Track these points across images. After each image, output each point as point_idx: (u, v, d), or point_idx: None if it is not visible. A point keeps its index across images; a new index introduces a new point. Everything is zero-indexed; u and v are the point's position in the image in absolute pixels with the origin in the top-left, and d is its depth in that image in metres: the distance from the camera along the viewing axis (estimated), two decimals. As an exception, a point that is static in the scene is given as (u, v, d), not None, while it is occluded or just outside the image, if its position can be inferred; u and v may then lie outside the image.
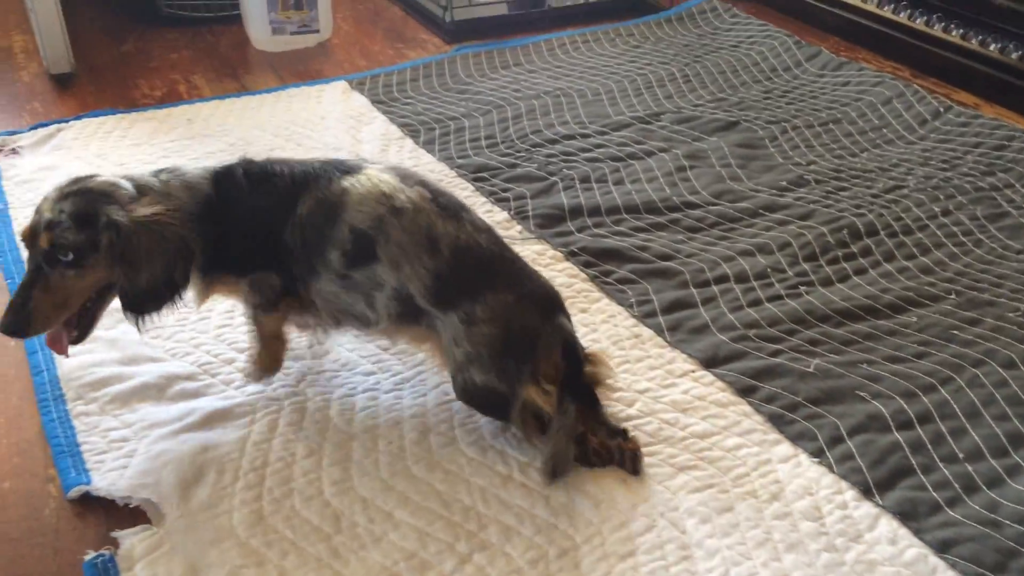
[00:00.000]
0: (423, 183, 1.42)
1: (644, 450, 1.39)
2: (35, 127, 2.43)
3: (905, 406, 1.46)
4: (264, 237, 1.37)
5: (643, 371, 1.60)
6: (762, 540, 1.25)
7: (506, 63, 2.89)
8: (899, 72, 2.77)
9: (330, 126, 2.48)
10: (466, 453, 1.40)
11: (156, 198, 1.32)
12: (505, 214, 2.07)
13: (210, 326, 1.69)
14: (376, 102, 2.60)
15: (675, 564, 1.22)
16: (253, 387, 1.54)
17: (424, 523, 1.28)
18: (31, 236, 1.28)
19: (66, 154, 2.30)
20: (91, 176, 1.34)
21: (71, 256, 1.26)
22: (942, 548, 1.22)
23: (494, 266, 1.38)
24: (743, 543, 1.24)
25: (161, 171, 1.39)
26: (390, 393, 1.54)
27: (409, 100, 2.63)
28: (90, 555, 1.23)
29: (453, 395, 1.42)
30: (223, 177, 1.39)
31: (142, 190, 1.33)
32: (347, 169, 1.40)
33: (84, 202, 1.28)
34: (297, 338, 1.59)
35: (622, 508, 1.30)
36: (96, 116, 2.49)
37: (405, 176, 1.42)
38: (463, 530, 1.27)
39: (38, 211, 1.30)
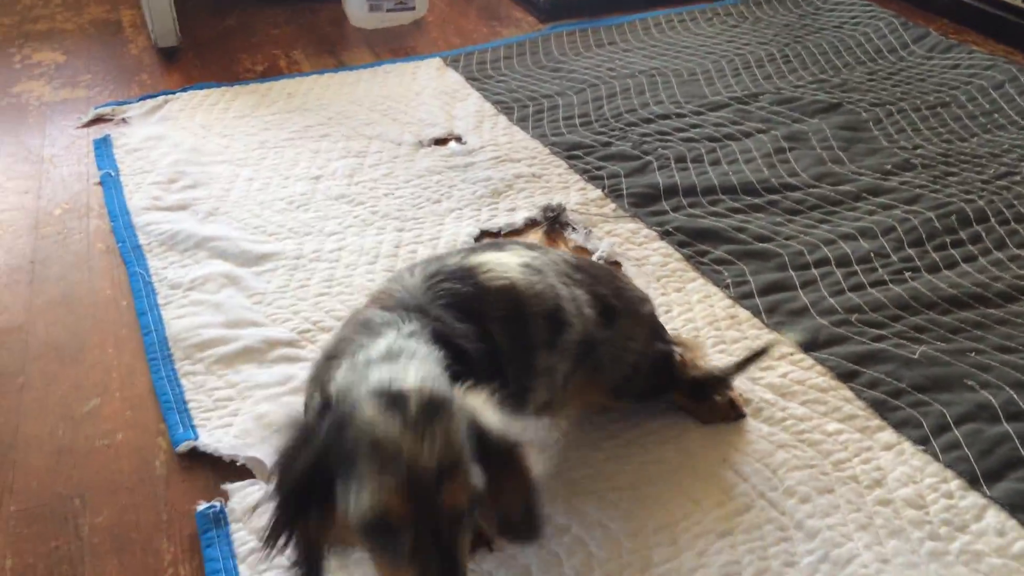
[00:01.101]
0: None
1: (746, 426, 1.38)
2: (143, 98, 2.52)
3: (1016, 397, 1.41)
4: None
5: (740, 352, 1.57)
6: (864, 524, 1.22)
7: (600, 42, 2.87)
8: (1012, 56, 2.65)
9: (424, 102, 2.50)
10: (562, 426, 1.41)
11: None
12: (599, 192, 2.06)
13: (309, 294, 1.73)
14: (470, 79, 2.62)
15: (774, 544, 1.20)
16: (352, 353, 1.57)
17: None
18: (417, 498, 0.81)
19: (172, 124, 2.38)
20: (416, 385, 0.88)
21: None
22: (1055, 543, 1.17)
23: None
24: (844, 524, 1.22)
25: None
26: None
27: (503, 77, 2.64)
28: (202, 505, 1.28)
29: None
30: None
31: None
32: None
33: (464, 428, 0.87)
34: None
35: (723, 485, 1.29)
36: (201, 88, 2.56)
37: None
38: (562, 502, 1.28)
39: (403, 461, 0.81)
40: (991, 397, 1.41)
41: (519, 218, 1.98)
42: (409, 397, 0.85)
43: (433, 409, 0.84)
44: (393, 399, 0.85)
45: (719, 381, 1.38)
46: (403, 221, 1.97)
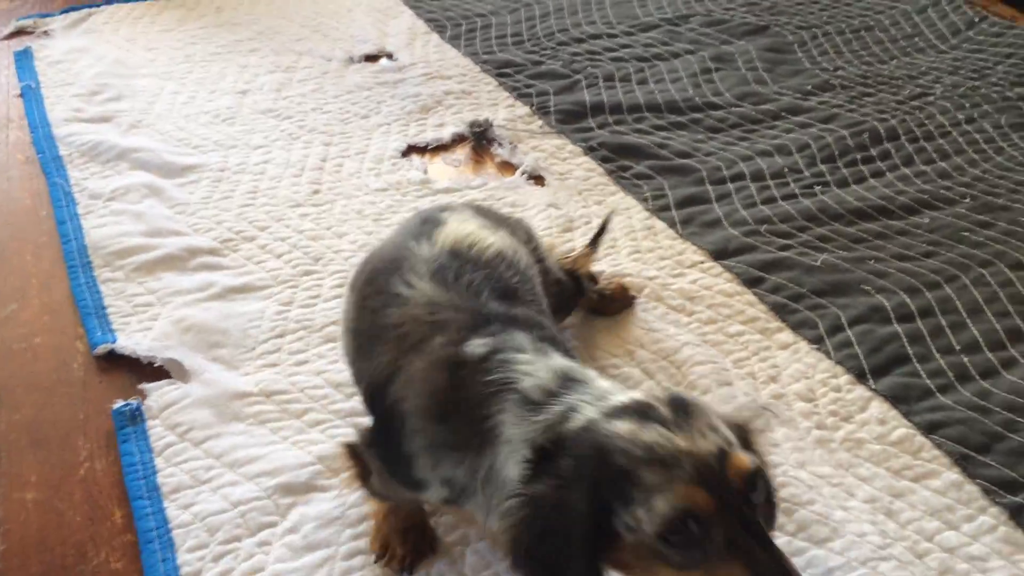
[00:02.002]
0: None
1: (654, 327, 1.44)
2: (66, 11, 2.46)
3: (908, 300, 1.48)
4: None
5: (653, 260, 1.62)
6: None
7: (536, -38, 2.85)
8: (939, -18, 2.69)
9: (357, 19, 2.48)
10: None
11: None
12: (527, 109, 2.08)
13: (233, 205, 1.74)
14: (403, -4, 2.59)
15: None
16: (272, 263, 1.59)
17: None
18: (715, 486, 0.78)
19: (96, 37, 2.33)
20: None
21: None
22: (930, 429, 1.25)
23: None
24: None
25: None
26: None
27: (437, -5, 2.62)
28: (119, 403, 1.30)
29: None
30: None
31: None
32: None
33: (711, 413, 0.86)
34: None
35: (630, 382, 1.35)
36: (127, 2, 2.50)
37: None
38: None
39: (686, 455, 0.79)
40: (885, 301, 1.48)
41: (447, 133, 1.99)
42: (651, 403, 0.83)
43: (679, 405, 0.83)
44: (641, 411, 0.82)
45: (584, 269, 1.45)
46: (330, 136, 1.97)
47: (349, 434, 1.15)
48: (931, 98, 2.08)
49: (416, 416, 0.94)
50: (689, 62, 2.25)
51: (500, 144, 1.95)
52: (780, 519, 1.13)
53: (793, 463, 1.22)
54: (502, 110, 2.08)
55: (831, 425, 1.28)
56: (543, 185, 1.84)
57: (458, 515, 1.14)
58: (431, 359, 0.96)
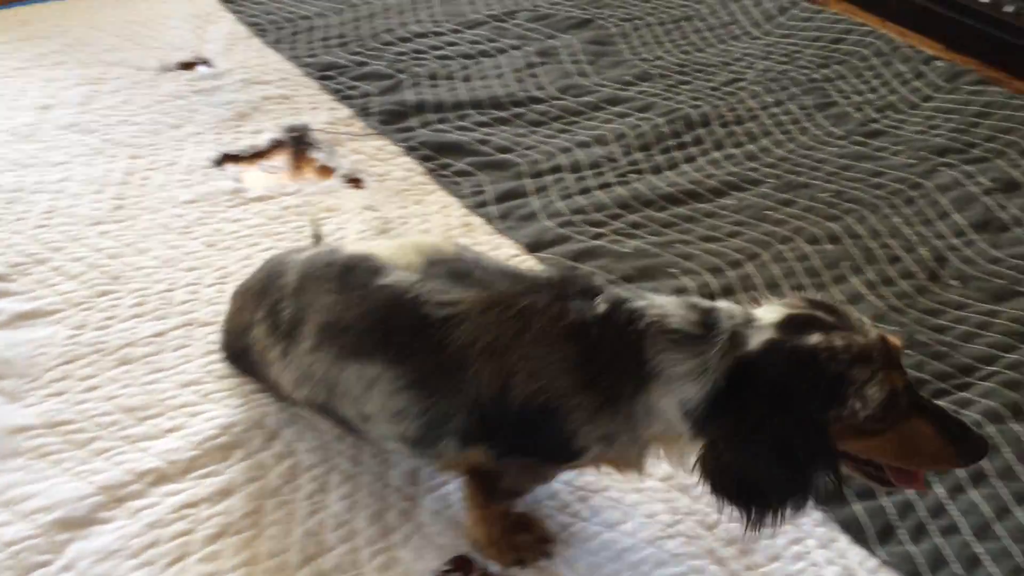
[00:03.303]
0: None
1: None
2: None
3: (711, 280, 1.52)
4: None
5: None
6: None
7: (364, -38, 2.81)
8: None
9: (174, 26, 2.39)
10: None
11: None
12: (348, 111, 2.04)
13: (26, 226, 1.64)
14: (225, 0, 2.51)
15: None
16: (65, 285, 1.51)
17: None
18: (899, 367, 0.94)
19: None
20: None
21: None
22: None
23: None
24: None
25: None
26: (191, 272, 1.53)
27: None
28: None
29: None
30: None
31: None
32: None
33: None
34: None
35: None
36: (-83, 16, 2.34)
37: None
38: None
39: (871, 348, 0.92)
40: (689, 282, 1.52)
41: (264, 140, 1.94)
42: (809, 312, 0.94)
43: (829, 308, 0.95)
44: (809, 321, 0.93)
45: None
46: (138, 148, 1.88)
47: (139, 459, 1.10)
48: (743, 83, 2.15)
49: (563, 397, 0.95)
50: (514, 57, 2.26)
51: (318, 148, 1.91)
52: (576, 506, 1.14)
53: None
54: (323, 113, 2.04)
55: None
56: (361, 188, 1.81)
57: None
58: (548, 342, 0.96)
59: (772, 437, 0.90)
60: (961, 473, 1.21)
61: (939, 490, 1.19)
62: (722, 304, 0.99)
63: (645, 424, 0.96)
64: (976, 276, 1.55)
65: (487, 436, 1.01)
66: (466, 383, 0.98)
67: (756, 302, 1.01)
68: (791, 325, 0.93)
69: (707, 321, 0.95)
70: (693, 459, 0.95)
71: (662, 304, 0.97)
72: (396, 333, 1.01)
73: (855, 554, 1.12)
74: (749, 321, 0.94)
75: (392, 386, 1.01)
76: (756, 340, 0.92)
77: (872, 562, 1.11)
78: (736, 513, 0.93)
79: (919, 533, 1.14)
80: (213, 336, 1.38)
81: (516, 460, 1.02)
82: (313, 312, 1.06)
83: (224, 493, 1.17)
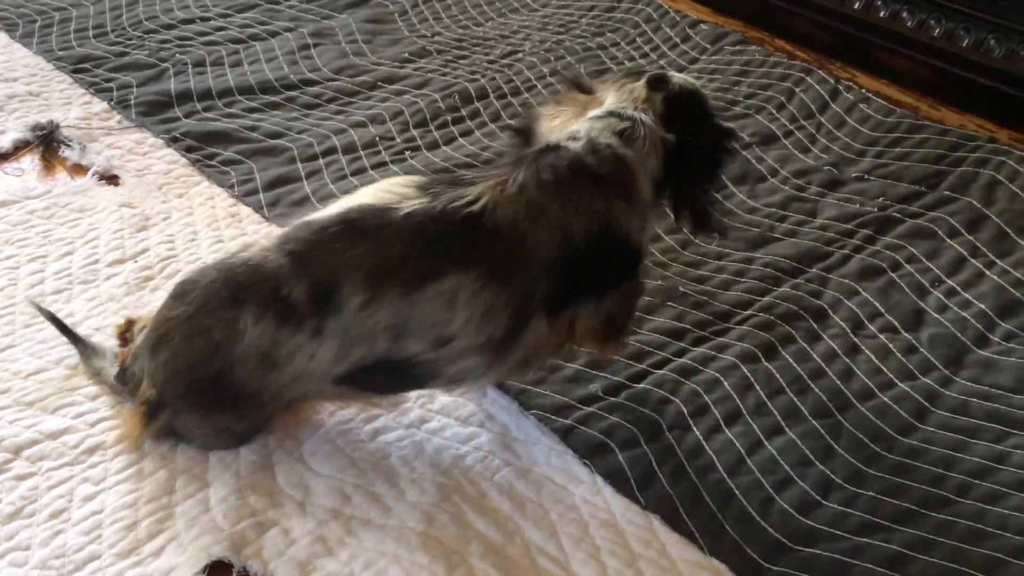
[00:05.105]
0: None
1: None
2: None
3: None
4: None
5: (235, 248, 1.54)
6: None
7: (127, -53, 2.65)
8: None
9: (-96, 23, 2.16)
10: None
11: None
12: (104, 104, 1.91)
13: None
14: (-35, -5, 2.30)
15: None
16: None
17: None
18: None
19: None
20: None
21: None
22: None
23: None
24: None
25: None
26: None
27: (6, -10, 2.35)
28: None
29: None
30: None
31: None
32: None
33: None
34: None
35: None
36: None
37: None
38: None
39: None
40: (461, 255, 1.50)
41: (7, 141, 1.78)
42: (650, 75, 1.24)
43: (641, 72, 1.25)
44: (656, 80, 1.22)
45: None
46: None
47: None
48: (520, 55, 2.16)
49: (607, 213, 1.11)
50: (287, 40, 2.18)
51: (69, 146, 1.78)
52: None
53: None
54: (76, 108, 1.90)
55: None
56: (118, 184, 1.69)
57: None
58: (568, 184, 1.10)
59: (709, 146, 1.20)
60: (718, 414, 1.26)
61: (699, 432, 1.23)
62: (613, 105, 1.19)
63: (645, 205, 1.16)
64: (734, 226, 1.62)
65: (568, 293, 1.12)
66: (531, 253, 1.07)
67: (592, 99, 1.23)
68: (655, 81, 1.21)
69: (623, 115, 1.16)
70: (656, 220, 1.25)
71: (599, 127, 1.15)
72: (452, 243, 1.05)
73: (618, 503, 1.14)
74: (636, 99, 1.19)
75: (473, 289, 1.04)
76: (657, 103, 1.19)
77: (634, 509, 1.14)
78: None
79: (678, 475, 1.18)
80: (-63, 356, 1.26)
81: (604, 298, 1.16)
82: (347, 271, 1.05)
83: (-53, 526, 1.07)
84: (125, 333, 1.25)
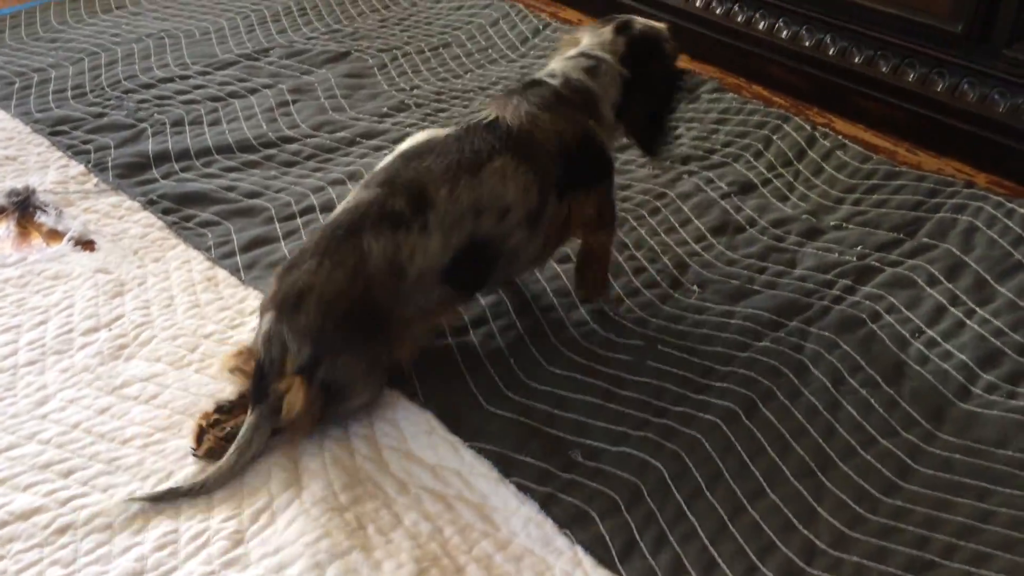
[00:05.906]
0: None
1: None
2: None
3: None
4: None
5: (212, 314, 1.53)
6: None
7: (107, 6, 2.67)
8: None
9: None
10: None
11: None
12: (81, 167, 1.91)
13: None
14: (-58, 57, 2.31)
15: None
16: None
17: None
18: None
19: None
20: None
21: None
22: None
23: None
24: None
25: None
26: None
27: (-16, 53, 2.36)
28: None
29: None
30: None
31: None
32: None
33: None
34: None
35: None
36: None
37: None
38: None
39: None
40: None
41: (-18, 208, 1.77)
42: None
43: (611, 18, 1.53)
44: (622, 24, 1.50)
45: None
46: None
47: None
48: (498, 107, 2.16)
49: (588, 128, 1.41)
50: (266, 97, 2.19)
51: (45, 211, 1.77)
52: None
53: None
54: (53, 172, 1.90)
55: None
56: (93, 250, 1.68)
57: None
58: (556, 108, 1.40)
59: (659, 80, 1.48)
60: (699, 477, 1.24)
61: (680, 497, 1.21)
62: (585, 46, 1.48)
63: (610, 124, 1.46)
64: (714, 279, 1.61)
65: (568, 183, 1.39)
66: (545, 148, 1.37)
67: (576, 40, 1.52)
68: (621, 26, 1.47)
69: (590, 55, 1.45)
70: (619, 137, 1.56)
71: (571, 65, 1.44)
72: (486, 139, 1.35)
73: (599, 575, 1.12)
74: (604, 42, 1.47)
75: (513, 166, 1.34)
76: (620, 45, 1.46)
77: (615, 582, 1.12)
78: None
79: (660, 543, 1.16)
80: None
81: (591, 192, 1.43)
82: (429, 175, 1.32)
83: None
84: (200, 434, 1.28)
